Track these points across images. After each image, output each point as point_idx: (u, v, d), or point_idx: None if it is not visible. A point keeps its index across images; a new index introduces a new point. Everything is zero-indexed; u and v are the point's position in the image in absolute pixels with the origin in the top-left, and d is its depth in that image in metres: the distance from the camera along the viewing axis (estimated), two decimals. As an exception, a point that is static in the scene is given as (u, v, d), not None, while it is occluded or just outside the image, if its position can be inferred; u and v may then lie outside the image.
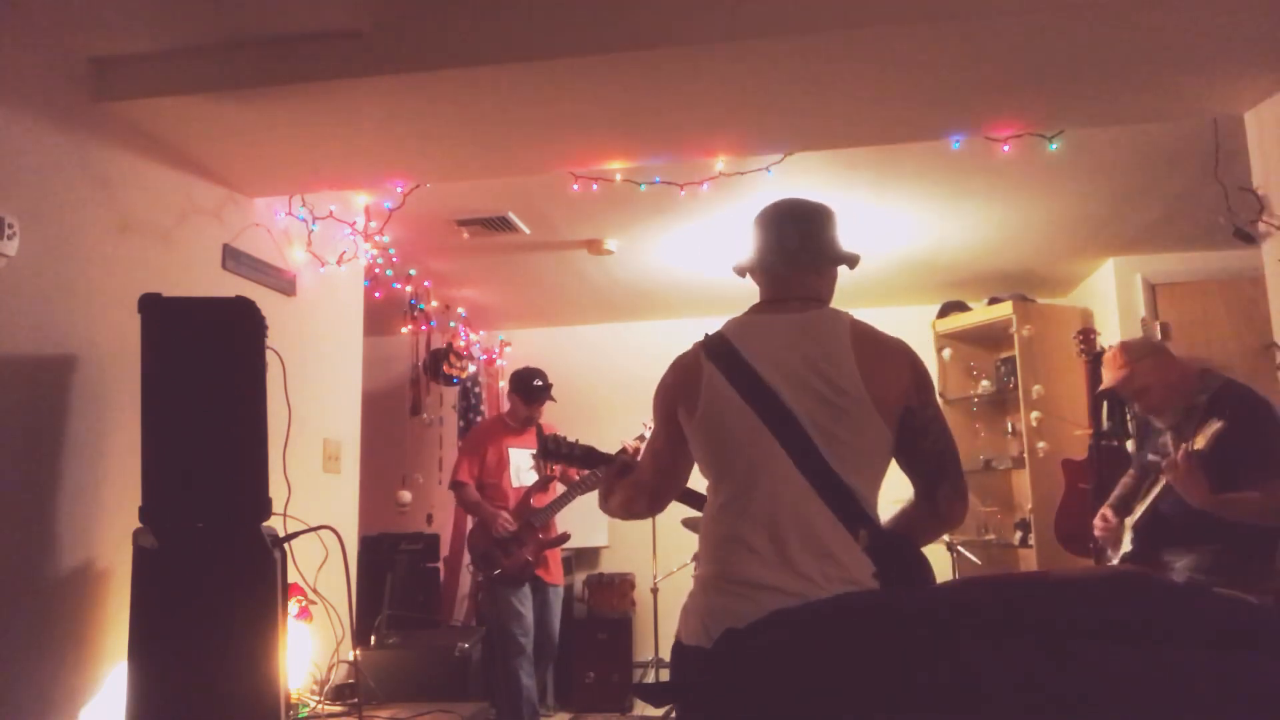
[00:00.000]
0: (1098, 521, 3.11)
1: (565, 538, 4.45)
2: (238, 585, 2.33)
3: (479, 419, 6.24)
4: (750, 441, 1.70)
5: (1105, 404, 4.13)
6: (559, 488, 4.47)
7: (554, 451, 2.40)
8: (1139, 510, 2.98)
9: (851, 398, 1.67)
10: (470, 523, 4.92)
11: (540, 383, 4.50)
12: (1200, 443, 2.69)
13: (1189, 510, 2.74)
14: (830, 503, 1.65)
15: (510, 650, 4.15)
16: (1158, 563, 2.90)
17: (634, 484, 1.98)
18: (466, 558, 5.49)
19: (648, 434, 4.30)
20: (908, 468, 1.77)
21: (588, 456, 2.38)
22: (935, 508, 1.75)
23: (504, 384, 6.60)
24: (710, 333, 1.84)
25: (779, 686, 1.45)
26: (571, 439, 2.44)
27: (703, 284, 5.58)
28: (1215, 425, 2.65)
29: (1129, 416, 3.77)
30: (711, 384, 1.75)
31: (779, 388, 1.69)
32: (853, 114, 3.00)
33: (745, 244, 1.95)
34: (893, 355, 1.76)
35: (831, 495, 1.65)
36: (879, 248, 4.92)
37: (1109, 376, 3.04)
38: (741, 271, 1.96)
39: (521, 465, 4.52)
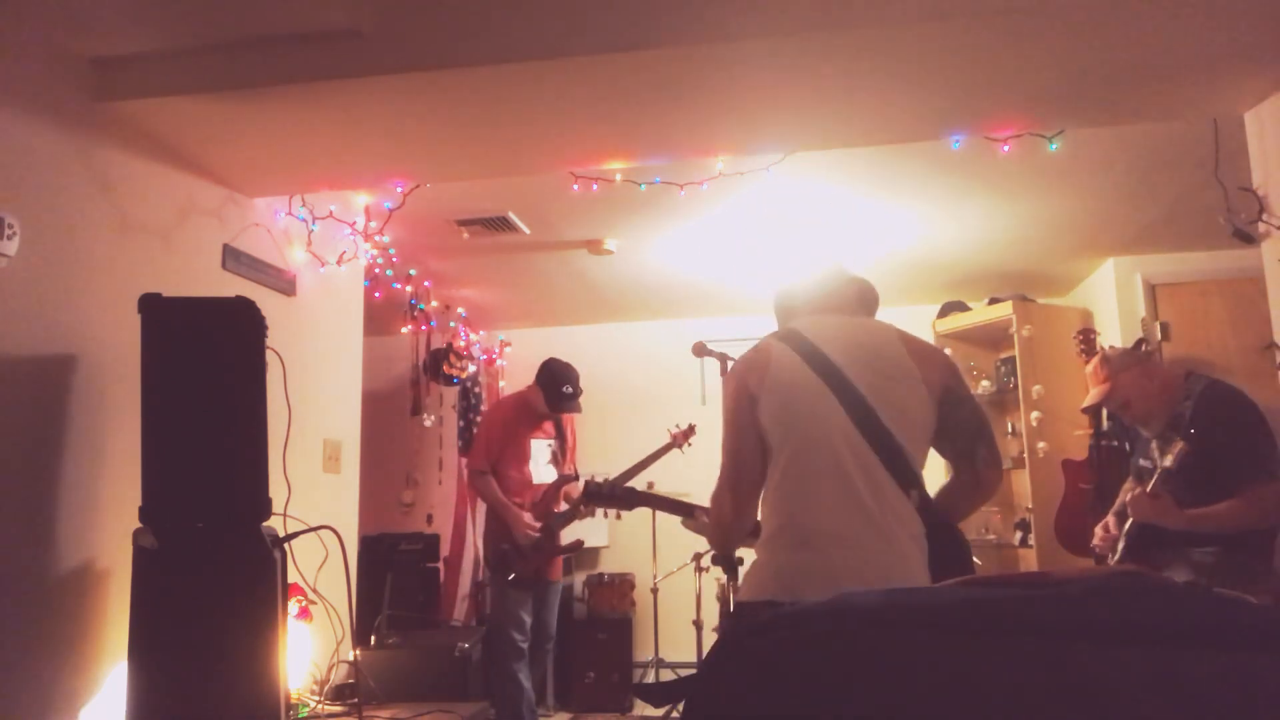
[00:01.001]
0: (1099, 530, 3.08)
1: (580, 544, 4.42)
2: (238, 585, 2.33)
3: (477, 418, 6.21)
4: (814, 401, 1.87)
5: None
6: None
7: (595, 495, 2.57)
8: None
9: (902, 370, 1.90)
10: (476, 515, 4.86)
11: (570, 390, 4.19)
12: (1168, 461, 2.71)
13: None
14: (885, 462, 1.82)
15: (509, 653, 4.14)
16: (1154, 565, 2.90)
17: (720, 489, 2.03)
18: (479, 552, 5.41)
19: (673, 428, 4.27)
20: (947, 440, 1.97)
21: (629, 498, 2.56)
22: (974, 469, 1.97)
23: (503, 384, 6.63)
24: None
25: (777, 687, 1.45)
26: (612, 481, 2.62)
27: (703, 284, 5.57)
28: (1178, 445, 2.69)
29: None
30: (779, 359, 1.94)
31: (839, 360, 1.90)
32: (853, 114, 2.99)
33: (787, 294, 2.17)
34: (933, 353, 2.02)
35: (887, 455, 1.82)
36: (879, 248, 4.92)
37: (1091, 393, 3.03)
38: (783, 310, 2.15)
39: (540, 458, 4.37)
